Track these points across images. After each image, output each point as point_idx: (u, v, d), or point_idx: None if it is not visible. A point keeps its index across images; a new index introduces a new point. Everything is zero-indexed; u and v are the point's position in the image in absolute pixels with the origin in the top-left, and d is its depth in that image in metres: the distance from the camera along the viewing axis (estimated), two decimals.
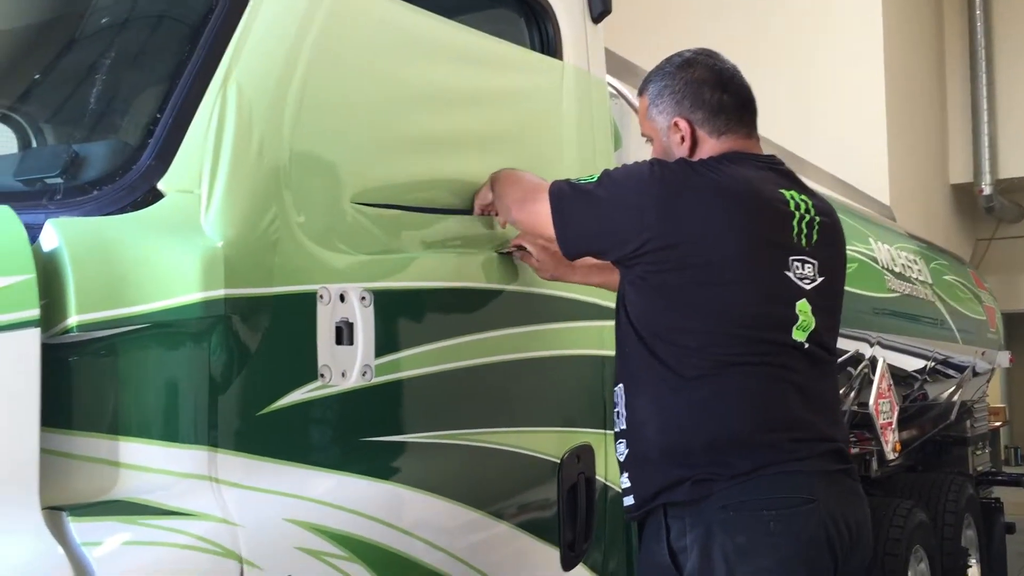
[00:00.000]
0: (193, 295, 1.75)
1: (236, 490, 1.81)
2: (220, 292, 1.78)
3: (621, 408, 2.14)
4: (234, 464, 1.82)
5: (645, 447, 2.04)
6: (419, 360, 2.19)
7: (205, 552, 1.71)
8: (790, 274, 2.06)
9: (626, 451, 2.11)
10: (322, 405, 1.99)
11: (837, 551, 1.97)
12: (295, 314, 1.96)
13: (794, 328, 2.05)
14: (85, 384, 1.69)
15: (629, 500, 2.12)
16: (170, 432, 1.75)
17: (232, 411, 1.83)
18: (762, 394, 2.01)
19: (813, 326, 2.08)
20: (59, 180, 1.84)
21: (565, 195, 2.18)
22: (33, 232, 1.66)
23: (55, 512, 1.59)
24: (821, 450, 2.03)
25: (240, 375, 1.85)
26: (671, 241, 2.00)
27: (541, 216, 2.19)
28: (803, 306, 2.08)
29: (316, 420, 1.99)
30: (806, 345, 2.07)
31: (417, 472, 2.15)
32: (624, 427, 2.11)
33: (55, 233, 1.66)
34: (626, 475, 2.12)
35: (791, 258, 2.07)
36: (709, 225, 2.01)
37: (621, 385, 2.13)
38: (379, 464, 2.09)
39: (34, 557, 1.51)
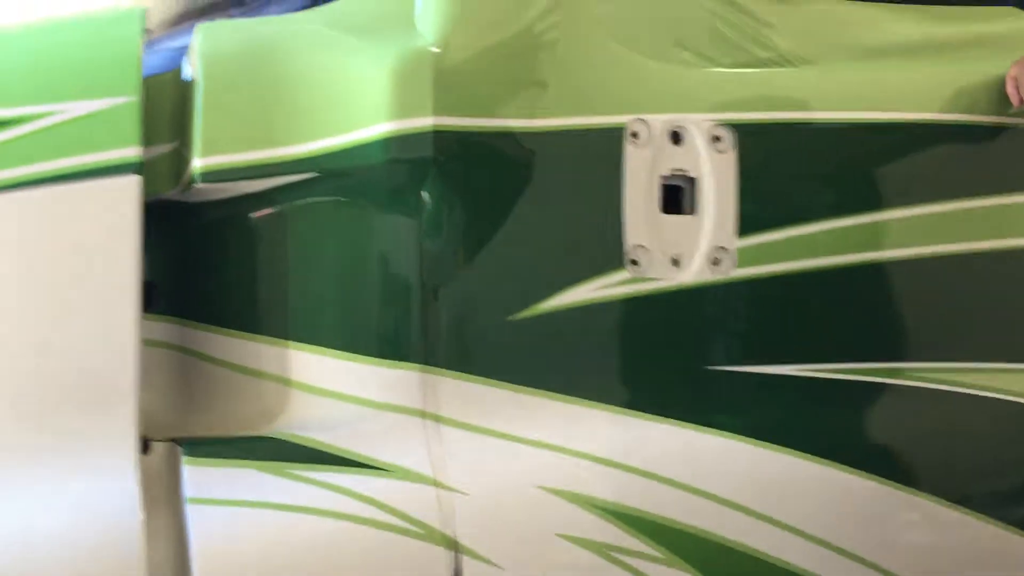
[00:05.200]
0: (379, 127, 1.11)
1: (461, 434, 1.18)
2: (425, 121, 1.12)
3: None
4: (461, 393, 1.20)
5: None
6: (816, 244, 1.32)
7: (398, 533, 1.13)
8: None
9: None
10: (630, 310, 1.27)
11: None
12: (581, 162, 1.24)
13: None
14: (223, 260, 1.18)
15: None
16: (358, 338, 1.18)
17: (462, 311, 1.20)
18: None
19: None
20: None
21: None
22: None
23: (168, 446, 1.09)
24: None
25: (475, 256, 1.19)
26: None
27: None
28: None
29: (614, 332, 1.26)
30: None
31: (800, 427, 1.31)
32: None
33: (197, 41, 1.12)
34: None
35: None
36: None
37: None
38: (729, 409, 1.30)
39: (101, 517, 1.01)
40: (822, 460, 1.31)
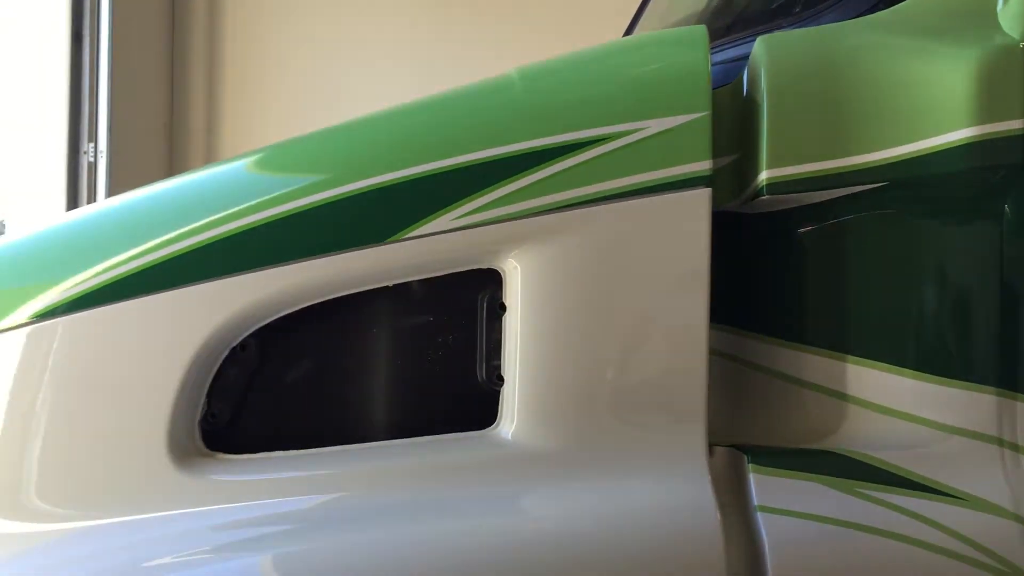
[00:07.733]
0: (959, 132, 1.04)
1: None
2: (1013, 125, 1.04)
3: None
4: None
5: None
6: None
7: (975, 566, 1.04)
8: None
9: None
10: None
11: None
12: None
13: None
14: (774, 271, 1.15)
15: None
16: (924, 356, 1.10)
17: None
18: None
19: None
20: None
21: None
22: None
23: (728, 452, 1.10)
24: None
25: None
26: None
27: None
28: None
29: None
30: None
31: None
32: None
33: (760, 53, 1.13)
34: None
35: None
36: None
37: None
38: None
39: (677, 515, 1.04)
40: None
